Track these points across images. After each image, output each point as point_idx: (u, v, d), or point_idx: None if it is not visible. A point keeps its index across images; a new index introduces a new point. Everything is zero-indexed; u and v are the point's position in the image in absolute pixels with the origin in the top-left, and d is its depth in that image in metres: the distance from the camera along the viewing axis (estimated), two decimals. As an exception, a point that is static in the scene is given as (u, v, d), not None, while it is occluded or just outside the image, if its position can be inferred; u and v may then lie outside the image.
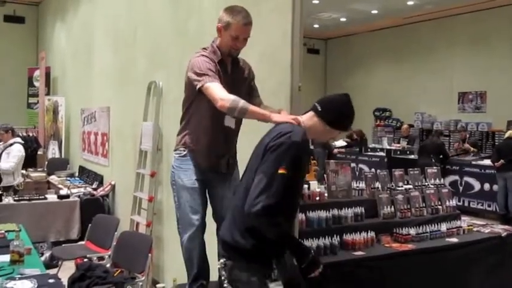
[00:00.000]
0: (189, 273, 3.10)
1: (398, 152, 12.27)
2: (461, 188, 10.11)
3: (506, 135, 9.59)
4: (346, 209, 4.25)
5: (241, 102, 2.66)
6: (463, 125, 12.72)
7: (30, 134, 10.47)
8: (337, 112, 2.59)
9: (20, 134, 10.07)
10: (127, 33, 6.84)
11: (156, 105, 5.66)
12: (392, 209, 4.52)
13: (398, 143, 13.32)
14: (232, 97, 2.68)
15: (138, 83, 6.28)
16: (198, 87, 2.81)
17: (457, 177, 10.22)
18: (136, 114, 6.28)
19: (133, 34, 6.59)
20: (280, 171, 2.28)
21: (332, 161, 4.71)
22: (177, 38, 5.24)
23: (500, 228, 4.88)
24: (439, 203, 4.81)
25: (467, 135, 11.70)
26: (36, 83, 12.26)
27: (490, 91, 12.83)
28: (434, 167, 5.48)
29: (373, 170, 4.99)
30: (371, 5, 13.18)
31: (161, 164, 5.59)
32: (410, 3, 12.58)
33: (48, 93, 11.38)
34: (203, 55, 2.93)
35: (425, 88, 14.31)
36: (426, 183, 5.00)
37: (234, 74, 3.05)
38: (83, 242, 5.74)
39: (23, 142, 7.61)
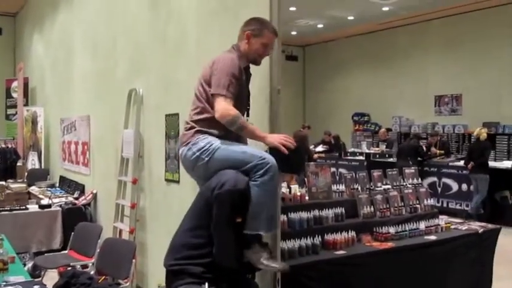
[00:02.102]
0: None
1: (377, 156, 12.45)
2: (439, 189, 10.29)
3: (475, 133, 9.79)
4: (327, 209, 4.34)
5: (242, 119, 2.86)
6: (439, 127, 12.94)
7: (9, 146, 10.37)
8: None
9: (-1, 146, 10.03)
10: (106, 41, 6.87)
11: (136, 113, 5.69)
12: (372, 208, 4.62)
13: (377, 146, 13.50)
14: (235, 112, 2.82)
15: (118, 90, 6.30)
16: (211, 92, 2.88)
17: (435, 179, 10.41)
18: (116, 122, 6.30)
19: (112, 42, 6.61)
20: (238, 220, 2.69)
21: (312, 163, 4.81)
22: (157, 44, 5.28)
23: (477, 225, 5.01)
24: (417, 202, 4.93)
25: (438, 139, 11.89)
26: (14, 94, 12.17)
27: (465, 94, 13.10)
28: (412, 168, 5.60)
29: (352, 172, 5.08)
30: (347, 11, 13.38)
31: (143, 171, 5.62)
32: (385, 9, 12.80)
33: (26, 104, 11.30)
34: (233, 58, 2.95)
35: (402, 92, 14.56)
36: (404, 183, 5.11)
37: (247, 79, 3.15)
38: (65, 251, 5.72)
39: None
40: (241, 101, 2.98)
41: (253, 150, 2.84)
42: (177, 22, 4.86)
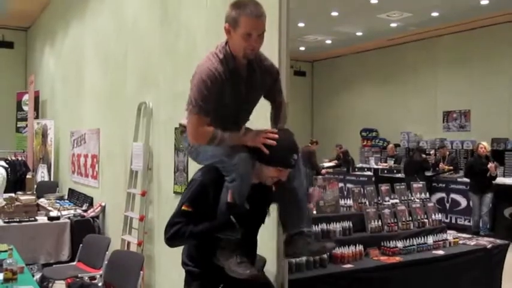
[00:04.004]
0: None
1: (386, 171, 12.43)
2: (448, 205, 10.25)
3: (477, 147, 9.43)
4: (335, 223, 4.35)
5: (218, 137, 2.48)
6: (447, 143, 12.91)
7: (19, 158, 10.45)
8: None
9: (9, 158, 10.11)
10: (117, 55, 6.95)
11: (146, 126, 5.74)
12: (380, 223, 4.62)
13: (385, 162, 13.48)
14: (211, 130, 2.48)
15: (128, 104, 6.36)
16: (186, 108, 2.56)
17: (443, 195, 10.36)
18: (126, 135, 6.36)
19: (123, 55, 6.69)
20: (184, 207, 2.53)
21: (320, 176, 4.82)
22: (167, 57, 5.35)
23: (485, 241, 4.99)
24: (425, 216, 4.93)
25: (447, 152, 11.85)
26: (25, 107, 12.29)
27: (473, 110, 13.08)
28: (420, 182, 5.60)
29: (360, 186, 5.10)
30: (355, 27, 13.46)
31: (151, 183, 5.65)
32: (393, 25, 12.86)
33: (37, 117, 11.41)
34: (209, 67, 2.48)
35: (410, 108, 14.57)
36: (412, 198, 5.12)
37: (251, 78, 2.62)
38: (73, 263, 5.75)
39: (5, 165, 7.59)
40: (225, 110, 2.58)
41: (233, 154, 2.50)
42: (187, 36, 4.92)
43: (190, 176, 4.79)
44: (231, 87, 2.52)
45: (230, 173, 2.44)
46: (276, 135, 2.46)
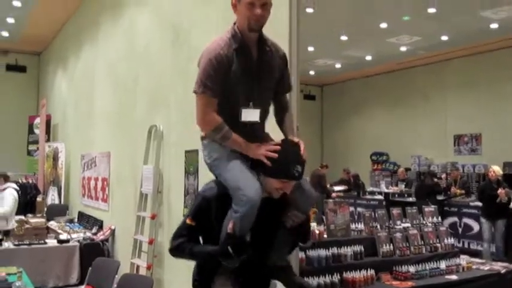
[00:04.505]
0: None
1: (397, 195, 12.33)
2: (460, 230, 10.12)
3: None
4: (346, 247, 4.31)
5: (226, 128, 2.43)
6: (459, 167, 12.81)
7: (30, 181, 10.52)
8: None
9: (20, 181, 10.16)
10: (128, 78, 7.02)
11: (156, 148, 5.76)
12: (391, 247, 4.56)
13: (396, 186, 13.38)
14: (219, 120, 2.44)
15: (138, 127, 6.39)
16: (193, 90, 2.50)
17: (456, 219, 10.24)
18: (136, 157, 6.38)
19: (134, 78, 6.76)
20: (188, 221, 2.47)
21: (330, 200, 4.79)
22: (178, 79, 5.39)
23: (499, 266, 4.91)
24: (438, 240, 4.86)
25: (459, 176, 11.75)
26: (36, 130, 12.40)
27: (484, 133, 13.00)
28: (432, 206, 5.55)
29: (371, 210, 5.05)
30: (365, 51, 13.51)
31: (162, 206, 5.64)
32: (403, 49, 12.90)
33: (48, 140, 11.50)
34: (216, 46, 2.46)
35: (420, 131, 14.50)
36: (424, 222, 5.06)
37: (261, 58, 2.56)
38: (82, 287, 5.71)
39: (16, 187, 7.62)
40: (236, 88, 2.48)
41: (243, 181, 2.39)
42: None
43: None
44: (239, 64, 2.47)
45: (237, 203, 2.35)
46: (278, 147, 2.40)
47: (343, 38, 11.97)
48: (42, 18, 10.61)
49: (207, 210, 2.44)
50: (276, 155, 2.37)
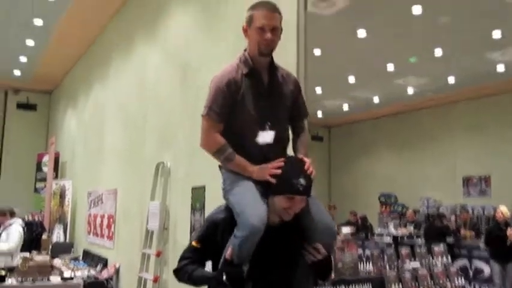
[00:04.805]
0: None
1: (406, 237, 12.15)
2: (471, 273, 9.91)
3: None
4: (354, 286, 4.21)
5: (229, 150, 2.46)
6: (467, 209, 12.66)
7: (36, 218, 10.49)
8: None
9: (26, 218, 10.13)
10: (137, 116, 7.07)
11: (163, 185, 5.75)
12: (401, 287, 4.46)
13: (405, 227, 13.20)
14: (221, 142, 2.48)
15: (146, 163, 6.41)
16: (202, 113, 2.57)
17: (466, 262, 10.05)
18: (143, 194, 6.37)
19: (143, 116, 6.81)
20: (193, 243, 2.47)
21: (338, 237, 4.71)
22: (186, 117, 5.42)
23: (512, 308, 4.78)
24: (448, 281, 4.75)
25: (469, 218, 11.60)
26: (44, 168, 12.44)
27: (493, 175, 12.90)
28: (441, 245, 5.44)
29: (379, 249, 4.97)
30: (372, 92, 13.58)
31: (167, 243, 5.59)
32: (410, 90, 12.96)
33: (56, 178, 11.53)
34: (224, 72, 2.53)
35: (429, 173, 14.41)
36: (434, 262, 4.96)
37: (273, 83, 2.59)
38: (85, 325, 5.61)
39: (22, 223, 7.60)
40: (247, 113, 2.50)
41: (248, 206, 2.34)
42: (206, 97, 4.99)
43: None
44: (250, 88, 2.52)
45: (238, 228, 2.29)
46: (282, 163, 2.37)
47: (351, 79, 12.07)
48: (54, 57, 10.82)
49: (214, 234, 2.41)
50: (279, 171, 2.34)
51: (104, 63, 8.99)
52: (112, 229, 7.66)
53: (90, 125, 9.94)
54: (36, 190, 12.82)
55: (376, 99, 14.22)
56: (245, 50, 2.59)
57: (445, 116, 14.08)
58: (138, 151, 6.92)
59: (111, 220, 7.71)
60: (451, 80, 11.85)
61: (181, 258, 2.48)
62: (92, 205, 8.83)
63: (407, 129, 15.39)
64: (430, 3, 7.91)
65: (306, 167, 2.36)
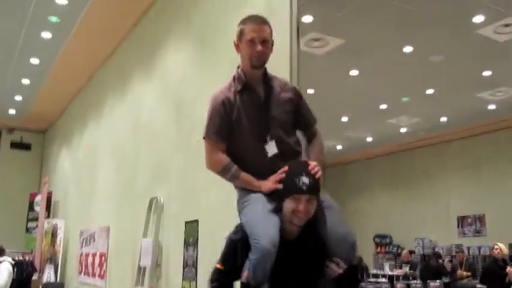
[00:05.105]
0: None
1: (401, 278, 12.00)
2: (467, 313, 9.78)
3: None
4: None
5: (234, 168, 2.51)
6: (462, 248, 12.58)
7: (27, 258, 10.30)
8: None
9: (16, 258, 9.95)
10: (131, 152, 7.07)
11: (156, 221, 5.70)
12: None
13: (400, 268, 13.08)
14: (225, 161, 2.53)
15: (139, 200, 6.36)
16: (202, 136, 2.63)
17: (462, 302, 9.93)
18: (136, 231, 6.30)
19: (136, 153, 6.81)
20: (217, 266, 2.44)
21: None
22: (180, 152, 5.43)
23: None
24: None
25: (465, 258, 11.49)
26: (36, 208, 12.31)
27: (488, 214, 12.88)
28: (437, 281, 5.39)
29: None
30: (365, 132, 13.70)
31: (159, 280, 5.50)
32: (403, 130, 13.08)
33: (48, 217, 11.40)
34: (216, 94, 2.60)
35: (423, 213, 14.37)
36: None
37: (269, 93, 2.60)
38: None
39: (11, 261, 7.48)
40: (245, 128, 2.54)
41: (258, 228, 2.33)
42: (199, 131, 5.01)
43: (199, 271, 4.70)
44: (246, 104, 2.54)
45: (252, 250, 2.27)
46: (286, 168, 2.38)
47: (344, 118, 12.19)
48: (49, 96, 10.87)
49: (234, 254, 2.38)
50: (283, 175, 2.36)
51: (99, 102, 9.04)
52: (104, 267, 7.53)
53: (83, 163, 9.91)
54: (27, 230, 12.65)
55: (369, 139, 14.34)
56: (238, 67, 2.63)
57: (439, 155, 14.17)
58: (131, 187, 6.89)
59: (103, 258, 7.59)
60: (444, 119, 12.00)
61: (210, 281, 2.44)
62: (84, 244, 8.71)
63: (401, 168, 15.43)
64: (421, 43, 8.10)
65: (309, 167, 2.36)
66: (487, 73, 9.16)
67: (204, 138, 2.60)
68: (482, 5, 6.82)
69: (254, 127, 2.53)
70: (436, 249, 13.42)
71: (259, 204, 2.40)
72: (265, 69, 2.62)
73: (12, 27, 7.79)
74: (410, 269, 12.58)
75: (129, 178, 6.99)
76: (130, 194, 6.90)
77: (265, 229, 2.28)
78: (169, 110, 5.94)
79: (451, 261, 11.91)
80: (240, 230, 2.43)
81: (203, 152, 4.91)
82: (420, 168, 14.77)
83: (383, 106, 11.21)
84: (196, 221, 4.84)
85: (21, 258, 10.19)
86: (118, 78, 8.09)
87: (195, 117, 5.22)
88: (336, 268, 2.31)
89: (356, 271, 2.42)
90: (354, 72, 9.36)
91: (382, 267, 14.02)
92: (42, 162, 14.22)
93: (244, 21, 2.60)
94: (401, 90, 10.29)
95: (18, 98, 11.27)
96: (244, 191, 2.52)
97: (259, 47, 2.51)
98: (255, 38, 2.52)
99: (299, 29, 4.08)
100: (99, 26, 7.62)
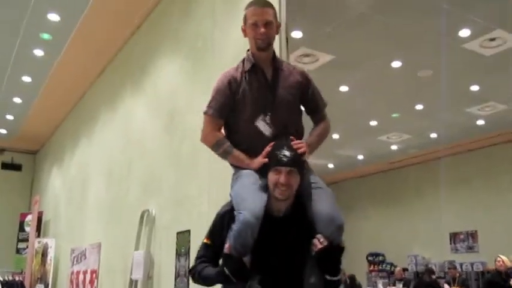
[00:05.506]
0: None
1: (395, 295, 11.98)
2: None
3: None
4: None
5: (227, 144, 2.62)
6: (455, 265, 12.57)
7: (17, 278, 10.19)
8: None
9: (6, 278, 9.85)
10: (122, 166, 7.07)
11: (148, 233, 5.69)
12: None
13: (394, 285, 13.04)
14: (219, 136, 2.65)
15: (130, 213, 6.34)
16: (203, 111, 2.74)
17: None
18: (127, 245, 6.26)
19: (127, 166, 6.81)
20: (205, 240, 2.49)
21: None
22: (171, 163, 5.44)
23: None
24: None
25: (457, 274, 11.48)
26: (27, 228, 12.20)
27: (480, 230, 12.92)
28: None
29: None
30: (356, 150, 13.76)
31: (151, 292, 5.46)
32: (393, 147, 13.15)
33: (38, 236, 11.29)
34: (223, 74, 2.73)
35: (416, 230, 14.39)
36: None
37: (276, 77, 2.67)
38: None
39: (1, 281, 7.39)
40: (244, 109, 2.62)
41: (243, 204, 2.37)
42: (191, 140, 5.05)
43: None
44: (252, 84, 2.63)
45: (235, 221, 2.32)
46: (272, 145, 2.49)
47: (335, 136, 12.24)
48: (41, 114, 10.85)
49: (221, 227, 2.42)
50: (268, 149, 2.47)
51: (91, 118, 9.05)
52: (95, 284, 7.45)
53: (74, 181, 9.87)
54: (18, 251, 12.50)
55: (360, 157, 14.39)
56: (248, 50, 2.74)
57: (430, 172, 14.23)
58: (122, 202, 6.87)
59: (94, 275, 7.52)
60: (434, 135, 12.09)
61: (196, 258, 2.47)
62: (75, 262, 8.62)
63: (393, 186, 15.49)
64: (409, 58, 8.21)
65: (293, 142, 2.45)
66: (474, 88, 9.27)
67: (204, 113, 2.70)
68: (467, 19, 6.95)
69: (257, 106, 2.60)
70: (430, 266, 13.40)
71: (249, 179, 2.47)
72: (274, 52, 2.74)
73: (4, 44, 7.82)
74: (403, 286, 12.55)
75: (121, 192, 6.98)
76: (121, 208, 6.88)
77: (250, 201, 2.34)
78: (161, 122, 5.96)
79: (443, 277, 11.91)
80: (229, 203, 2.50)
81: (194, 162, 4.96)
82: (412, 185, 14.83)
83: (373, 122, 11.29)
84: (188, 231, 4.83)
85: (11, 278, 10.09)
86: (110, 94, 8.13)
87: (186, 127, 5.25)
88: (317, 243, 2.32)
89: (339, 252, 2.39)
90: (343, 88, 9.45)
91: (375, 285, 13.99)
92: (33, 183, 14.14)
93: (247, 6, 2.71)
94: (391, 106, 10.38)
95: (10, 117, 11.24)
96: (238, 169, 2.60)
97: (261, 29, 2.62)
98: (258, 21, 2.63)
99: (288, 44, 4.12)
100: (91, 42, 7.67)
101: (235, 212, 2.35)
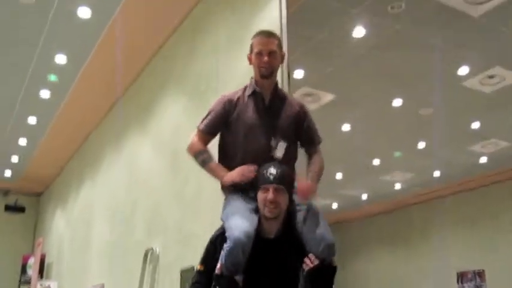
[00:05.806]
0: None
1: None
2: None
3: None
4: None
5: (203, 156, 2.80)
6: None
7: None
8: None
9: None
10: (126, 206, 7.08)
11: (152, 272, 5.65)
12: None
13: (402, 327, 12.78)
14: (201, 148, 2.83)
15: (134, 253, 6.32)
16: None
17: None
18: (131, 285, 6.21)
19: (132, 206, 6.82)
20: (198, 267, 2.56)
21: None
22: (175, 203, 5.47)
23: None
24: None
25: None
26: (29, 271, 12.09)
27: (487, 269, 12.72)
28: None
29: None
30: (360, 190, 13.70)
31: (155, 332, 5.39)
32: (397, 186, 13.11)
33: (41, 278, 11.18)
34: (223, 96, 2.92)
35: (423, 270, 14.16)
36: None
37: (274, 107, 2.81)
38: None
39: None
40: (237, 130, 2.77)
41: (234, 224, 2.45)
42: (195, 180, 5.09)
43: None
44: (250, 107, 2.78)
45: (227, 240, 2.38)
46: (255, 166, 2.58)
47: (338, 175, 12.24)
48: (46, 156, 10.91)
49: (214, 251, 2.48)
50: (251, 168, 2.56)
51: (96, 159, 9.11)
52: (97, 327, 7.36)
53: (78, 223, 9.85)
54: (19, 294, 12.37)
55: (364, 197, 14.32)
56: (252, 78, 2.91)
57: (435, 211, 14.11)
58: (126, 241, 6.85)
59: (96, 317, 7.43)
60: (437, 173, 12.05)
61: (190, 286, 2.52)
62: (77, 304, 8.53)
63: (398, 226, 15.33)
64: (410, 96, 8.29)
65: (300, 183, 2.56)
66: (475, 125, 9.31)
67: (196, 127, 2.91)
68: (466, 56, 7.07)
69: (251, 128, 2.74)
70: (437, 307, 13.17)
71: (240, 202, 2.57)
72: (277, 83, 2.88)
73: (11, 86, 7.95)
74: (411, 328, 12.30)
75: (124, 232, 6.97)
76: (125, 248, 6.85)
77: (240, 221, 2.41)
78: (165, 161, 6.02)
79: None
80: (220, 228, 2.57)
81: (199, 200, 4.99)
82: (417, 224, 14.69)
83: (376, 161, 11.29)
84: (193, 268, 4.80)
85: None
86: (115, 134, 8.21)
87: (190, 166, 5.26)
88: (309, 262, 2.36)
89: (332, 271, 2.44)
90: (345, 127, 9.52)
91: (383, 328, 13.69)
92: (37, 224, 14.10)
93: (254, 36, 2.89)
94: (394, 144, 10.41)
95: (15, 159, 11.30)
96: (229, 194, 2.68)
97: (265, 58, 2.76)
98: (263, 50, 2.79)
99: (290, 84, 4.16)
100: (97, 84, 7.79)
101: (227, 232, 2.41)
